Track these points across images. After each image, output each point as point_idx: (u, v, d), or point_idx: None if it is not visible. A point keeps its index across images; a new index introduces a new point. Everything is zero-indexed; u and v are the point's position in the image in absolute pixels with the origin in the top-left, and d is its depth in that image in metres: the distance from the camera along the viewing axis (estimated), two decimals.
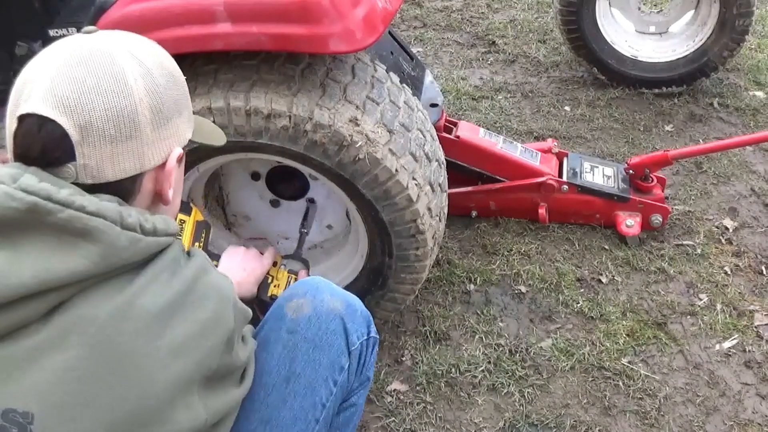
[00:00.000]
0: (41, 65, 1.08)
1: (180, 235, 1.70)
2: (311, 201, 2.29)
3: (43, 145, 1.04)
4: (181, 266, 1.12)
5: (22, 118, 1.05)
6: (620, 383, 2.22)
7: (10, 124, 1.07)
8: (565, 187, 2.77)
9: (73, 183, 1.04)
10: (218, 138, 1.41)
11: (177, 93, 1.16)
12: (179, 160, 1.18)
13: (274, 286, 1.98)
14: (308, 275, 1.97)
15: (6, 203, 0.98)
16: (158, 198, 1.18)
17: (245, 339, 1.31)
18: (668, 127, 3.53)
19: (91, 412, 1.00)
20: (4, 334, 1.00)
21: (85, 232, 1.01)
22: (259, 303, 1.89)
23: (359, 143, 1.86)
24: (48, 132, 1.03)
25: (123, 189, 1.10)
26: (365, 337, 1.46)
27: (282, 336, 1.38)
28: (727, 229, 2.84)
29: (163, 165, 1.15)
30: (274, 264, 2.03)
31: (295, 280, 1.98)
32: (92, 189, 1.06)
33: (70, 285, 1.01)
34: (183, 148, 1.19)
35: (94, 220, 1.01)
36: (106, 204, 1.04)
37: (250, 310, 1.29)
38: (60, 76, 1.04)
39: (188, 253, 1.18)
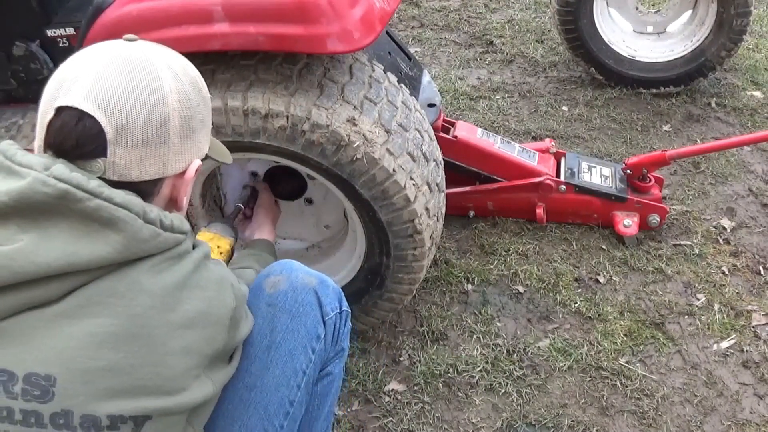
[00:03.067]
0: (84, 63, 1.14)
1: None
2: (253, 187, 2.28)
3: (78, 138, 1.10)
4: (189, 253, 1.20)
5: (61, 110, 1.11)
6: (618, 383, 2.22)
7: (45, 115, 1.13)
8: (563, 187, 2.77)
9: (99, 178, 1.11)
10: (227, 156, 1.51)
11: (204, 109, 1.25)
12: (196, 171, 1.26)
13: None
14: (232, 245, 1.98)
15: (38, 188, 1.05)
16: (172, 204, 1.26)
17: (247, 313, 1.40)
18: (666, 127, 3.53)
19: (111, 376, 1.07)
20: (24, 308, 1.06)
21: (111, 221, 1.08)
22: None
23: (357, 143, 1.85)
24: (85, 126, 1.10)
25: (143, 190, 1.17)
26: (338, 310, 1.54)
27: (261, 309, 1.46)
28: (724, 229, 2.84)
29: (183, 173, 1.24)
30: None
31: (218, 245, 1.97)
32: (115, 186, 1.12)
33: (92, 270, 1.07)
34: (201, 161, 1.27)
35: (120, 211, 1.08)
36: (132, 198, 1.11)
37: (246, 290, 1.38)
38: (103, 77, 1.11)
39: (193, 245, 1.25)
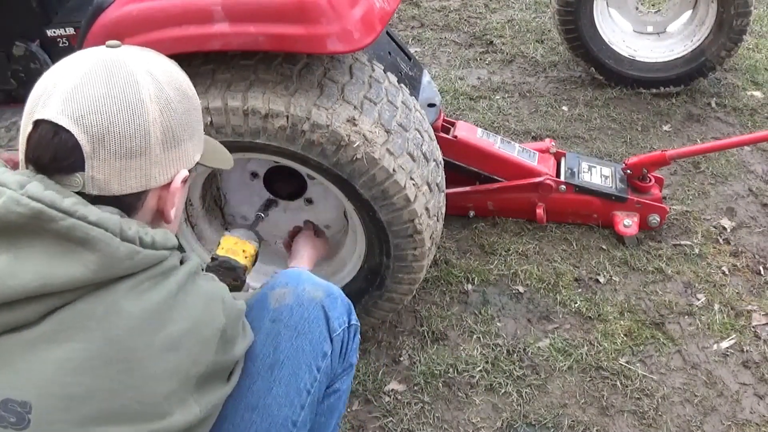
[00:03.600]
0: (62, 73, 1.11)
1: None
2: (272, 201, 2.31)
3: (55, 152, 1.07)
4: (175, 270, 1.15)
5: (38, 124, 1.08)
6: (618, 383, 2.22)
7: (25, 128, 1.10)
8: (563, 187, 2.77)
9: (79, 192, 1.07)
10: (226, 162, 1.44)
11: (190, 117, 1.19)
12: (184, 182, 1.21)
13: (217, 250, 1.94)
14: (257, 249, 1.97)
15: (12, 208, 1.01)
16: (160, 216, 1.21)
17: (245, 329, 1.34)
18: (666, 127, 3.53)
19: (88, 402, 1.03)
20: (3, 331, 1.03)
21: (85, 240, 1.04)
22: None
23: (357, 143, 1.85)
24: (61, 141, 1.07)
25: (126, 203, 1.13)
26: (346, 324, 1.49)
27: (265, 325, 1.41)
28: (724, 229, 2.84)
29: (169, 185, 1.18)
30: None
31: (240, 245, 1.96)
32: (97, 200, 1.09)
33: (69, 291, 1.04)
34: (189, 171, 1.22)
35: (94, 230, 1.04)
36: (108, 215, 1.07)
37: (243, 306, 1.32)
38: (79, 88, 1.08)
39: (181, 261, 1.20)
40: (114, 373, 1.04)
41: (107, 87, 1.09)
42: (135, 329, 1.06)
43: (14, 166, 1.15)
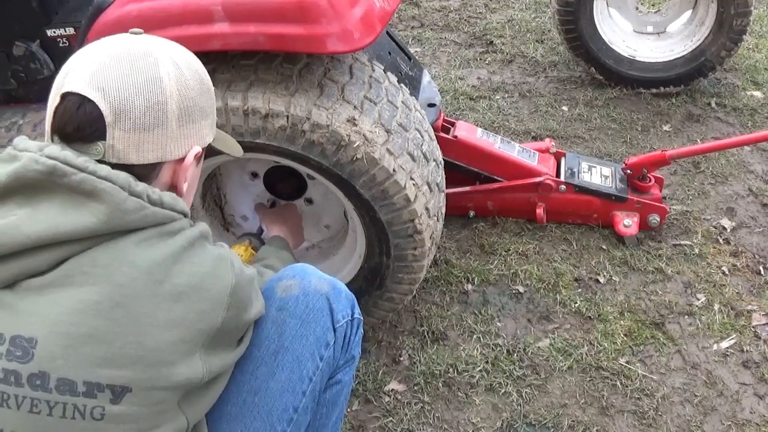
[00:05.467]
0: (89, 54, 1.21)
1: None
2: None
3: (79, 121, 1.16)
4: (184, 230, 1.22)
5: (65, 96, 1.17)
6: (618, 383, 2.22)
7: (53, 102, 1.20)
8: (563, 186, 2.77)
9: (99, 161, 1.15)
10: (237, 150, 1.54)
11: (204, 99, 1.29)
12: (197, 158, 1.29)
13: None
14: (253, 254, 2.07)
15: (31, 166, 1.11)
16: (173, 190, 1.27)
17: (257, 296, 1.40)
18: (666, 127, 3.53)
19: (90, 343, 1.09)
20: (18, 278, 1.11)
21: (94, 192, 1.12)
22: None
23: (357, 143, 1.85)
24: (86, 111, 1.16)
25: (141, 173, 1.20)
26: (350, 317, 1.53)
27: (271, 312, 1.45)
28: (724, 229, 2.84)
29: (182, 159, 1.26)
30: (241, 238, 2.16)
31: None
32: (115, 168, 1.16)
33: (78, 240, 1.11)
34: (202, 149, 1.30)
35: (103, 183, 1.12)
36: (118, 172, 1.15)
37: (253, 272, 1.38)
38: (105, 65, 1.18)
39: (191, 226, 1.26)
40: (117, 317, 1.10)
41: (130, 65, 1.19)
42: (139, 278, 1.12)
43: None
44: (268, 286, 1.50)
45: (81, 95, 1.16)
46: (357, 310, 1.56)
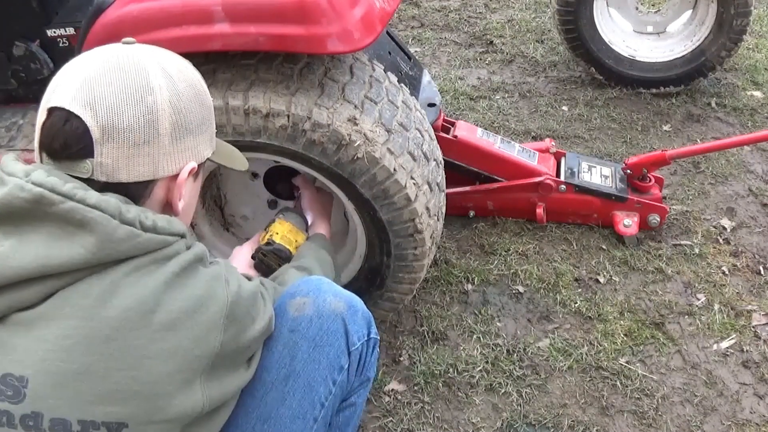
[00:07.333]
0: (77, 66, 1.16)
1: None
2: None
3: (66, 138, 1.11)
4: (178, 255, 1.17)
5: (51, 111, 1.13)
6: (618, 383, 2.22)
7: (40, 116, 1.15)
8: (563, 186, 2.77)
9: (88, 179, 1.11)
10: (240, 163, 1.47)
11: (200, 111, 1.23)
12: (192, 174, 1.24)
13: (272, 234, 1.94)
14: (305, 238, 1.97)
15: (16, 194, 1.06)
16: (168, 208, 1.23)
17: (264, 308, 1.34)
18: (666, 127, 3.53)
19: (83, 380, 1.05)
20: (7, 312, 1.07)
21: (83, 222, 1.07)
22: (258, 263, 1.91)
23: (357, 142, 1.85)
24: (72, 127, 1.11)
25: (134, 192, 1.16)
26: (365, 338, 1.48)
27: (283, 334, 1.40)
28: (724, 229, 2.84)
29: (176, 176, 1.21)
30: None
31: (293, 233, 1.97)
32: (105, 187, 1.12)
33: (68, 273, 1.07)
34: (199, 165, 1.25)
35: (92, 212, 1.07)
36: (107, 198, 1.10)
37: (253, 285, 1.32)
38: (92, 78, 1.13)
39: (187, 248, 1.21)
40: (109, 351, 1.06)
41: (119, 77, 1.13)
42: (131, 309, 1.08)
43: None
44: (280, 302, 1.44)
45: (67, 110, 1.11)
46: (373, 329, 1.50)
